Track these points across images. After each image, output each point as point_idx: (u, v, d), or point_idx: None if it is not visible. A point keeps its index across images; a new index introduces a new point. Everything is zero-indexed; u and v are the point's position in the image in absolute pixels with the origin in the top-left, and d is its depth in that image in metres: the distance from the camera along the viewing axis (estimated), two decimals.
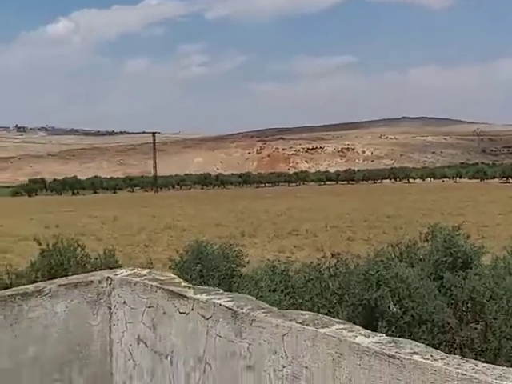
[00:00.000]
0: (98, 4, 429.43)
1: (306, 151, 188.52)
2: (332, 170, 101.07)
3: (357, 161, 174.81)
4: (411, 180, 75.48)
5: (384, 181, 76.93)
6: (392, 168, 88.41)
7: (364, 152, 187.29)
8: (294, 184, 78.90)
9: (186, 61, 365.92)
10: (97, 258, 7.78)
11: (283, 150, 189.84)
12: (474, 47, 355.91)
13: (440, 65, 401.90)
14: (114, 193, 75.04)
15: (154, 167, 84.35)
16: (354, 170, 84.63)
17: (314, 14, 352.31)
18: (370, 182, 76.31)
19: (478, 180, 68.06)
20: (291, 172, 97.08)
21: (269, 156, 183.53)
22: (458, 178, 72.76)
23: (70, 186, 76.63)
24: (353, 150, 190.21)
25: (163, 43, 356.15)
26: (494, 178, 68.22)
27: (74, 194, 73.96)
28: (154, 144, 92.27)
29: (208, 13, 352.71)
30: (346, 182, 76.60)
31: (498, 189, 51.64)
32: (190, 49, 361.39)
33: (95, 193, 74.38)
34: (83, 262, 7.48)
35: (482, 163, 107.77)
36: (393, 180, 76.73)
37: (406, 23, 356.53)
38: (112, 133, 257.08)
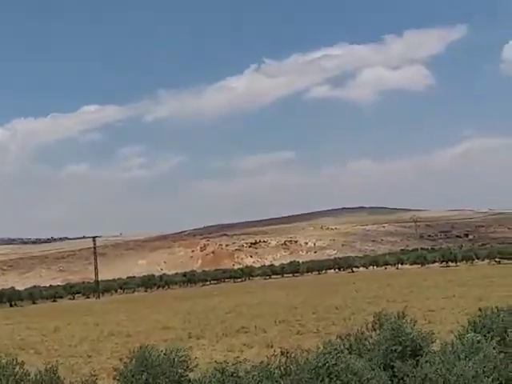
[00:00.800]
0: (35, 113, 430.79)
1: (250, 246, 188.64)
2: (277, 263, 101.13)
3: (300, 252, 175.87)
4: (355, 269, 76.21)
5: (328, 271, 77.44)
6: (335, 258, 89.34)
7: (307, 243, 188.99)
8: (239, 280, 78.37)
9: (125, 163, 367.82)
10: (37, 375, 7.35)
11: (227, 246, 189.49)
12: (408, 140, 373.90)
13: (376, 157, 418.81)
14: (54, 301, 72.41)
15: (96, 272, 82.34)
16: (298, 262, 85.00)
17: (252, 112, 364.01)
18: (314, 273, 76.66)
19: (419, 265, 69.40)
20: (236, 268, 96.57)
21: (213, 253, 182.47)
22: (399, 265, 73.98)
23: (8, 297, 73.62)
24: (296, 242, 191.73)
25: (102, 148, 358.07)
26: (434, 262, 69.80)
27: (11, 305, 70.96)
28: (95, 248, 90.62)
29: (147, 116, 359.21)
30: (291, 275, 76.62)
31: (439, 273, 52.70)
32: (130, 151, 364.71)
33: (34, 303, 71.62)
34: (22, 381, 7.04)
35: (422, 249, 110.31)
36: (337, 270, 77.32)
37: (340, 118, 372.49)
38: (51, 240, 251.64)
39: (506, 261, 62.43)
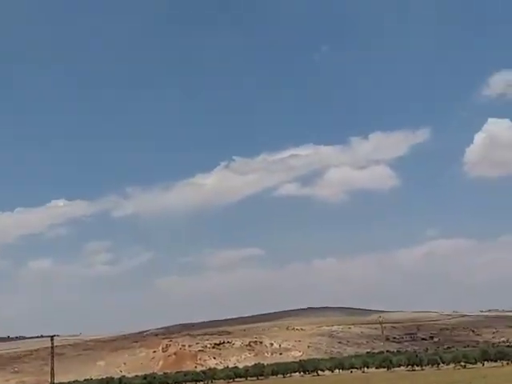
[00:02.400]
0: (1, 207, 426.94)
1: (214, 347, 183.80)
2: (241, 365, 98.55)
3: (266, 354, 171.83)
4: (320, 372, 74.71)
5: (293, 374, 75.68)
6: (301, 360, 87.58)
7: (272, 344, 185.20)
8: (201, 382, 75.94)
9: (91, 259, 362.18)
10: None
11: (190, 346, 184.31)
12: (374, 240, 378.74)
13: (341, 256, 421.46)
14: None
15: (52, 374, 78.94)
16: (262, 365, 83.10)
17: (221, 208, 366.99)
18: (279, 376, 74.80)
19: (385, 369, 68.48)
20: (199, 370, 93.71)
21: (175, 354, 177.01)
22: (365, 368, 72.84)
23: None
24: (261, 343, 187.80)
25: (68, 243, 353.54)
26: (399, 366, 69.03)
27: None
28: (52, 348, 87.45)
29: (115, 211, 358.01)
30: (255, 378, 74.61)
31: (405, 377, 52.03)
32: (96, 247, 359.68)
33: None
34: None
35: (388, 351, 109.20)
36: (302, 373, 75.64)
37: (308, 216, 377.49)
38: (7, 339, 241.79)
39: (470, 365, 62.08)
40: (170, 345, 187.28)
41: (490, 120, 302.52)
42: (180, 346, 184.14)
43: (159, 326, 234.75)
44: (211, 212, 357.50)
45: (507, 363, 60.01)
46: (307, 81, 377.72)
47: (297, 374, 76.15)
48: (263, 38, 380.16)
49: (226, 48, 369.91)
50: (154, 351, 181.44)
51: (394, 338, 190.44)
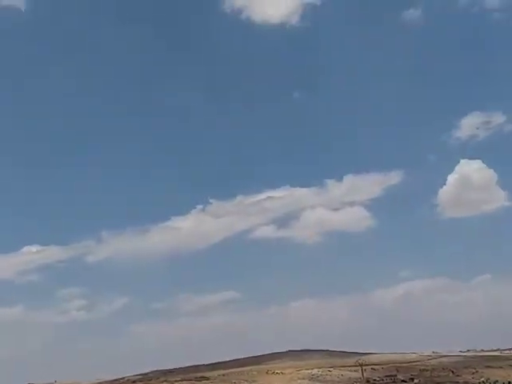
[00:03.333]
0: None
1: None
2: None
3: None
4: None
5: None
6: None
7: None
8: None
9: (64, 306, 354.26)
10: None
11: None
12: (349, 280, 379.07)
13: (318, 297, 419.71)
14: None
15: None
16: None
17: (197, 252, 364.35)
18: None
19: None
20: None
21: None
22: None
23: None
24: None
25: (40, 289, 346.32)
26: None
27: None
28: None
29: (89, 256, 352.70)
30: None
31: None
32: (69, 293, 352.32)
33: None
34: None
35: None
36: None
37: (284, 258, 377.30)
38: None
39: None
40: None
41: (462, 161, 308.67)
42: None
43: (136, 373, 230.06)
44: (187, 256, 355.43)
45: None
46: (283, 124, 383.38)
47: None
48: (238, 84, 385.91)
49: (189, 92, 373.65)
50: None
51: (375, 380, 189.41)
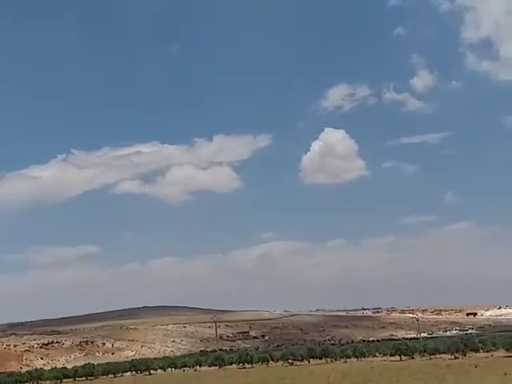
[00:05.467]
0: None
1: (41, 347, 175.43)
2: (70, 365, 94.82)
3: (97, 354, 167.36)
4: (153, 371, 74.02)
5: (125, 374, 74.19)
6: (133, 360, 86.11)
7: (104, 344, 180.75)
8: None
9: None
10: None
11: (15, 346, 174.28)
12: (212, 240, 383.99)
13: (177, 256, 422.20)
14: None
15: None
16: (93, 365, 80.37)
17: (56, 203, 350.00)
18: (110, 376, 72.91)
19: (218, 367, 69.50)
20: (24, 371, 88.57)
21: None
22: (198, 367, 73.38)
23: None
24: (92, 342, 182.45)
25: None
26: (231, 363, 70.40)
27: None
28: None
29: None
30: (84, 378, 72.04)
31: (236, 375, 53.19)
32: None
33: None
34: None
35: (221, 349, 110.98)
36: (134, 372, 74.41)
37: (147, 215, 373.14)
38: None
39: (297, 362, 64.95)
40: None
41: (327, 130, 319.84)
42: (4, 346, 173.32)
43: None
44: (45, 207, 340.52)
45: (331, 360, 63.65)
46: (155, 79, 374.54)
47: (128, 373, 74.75)
48: (112, 34, 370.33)
49: (69, 38, 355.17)
50: None
51: (228, 336, 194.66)
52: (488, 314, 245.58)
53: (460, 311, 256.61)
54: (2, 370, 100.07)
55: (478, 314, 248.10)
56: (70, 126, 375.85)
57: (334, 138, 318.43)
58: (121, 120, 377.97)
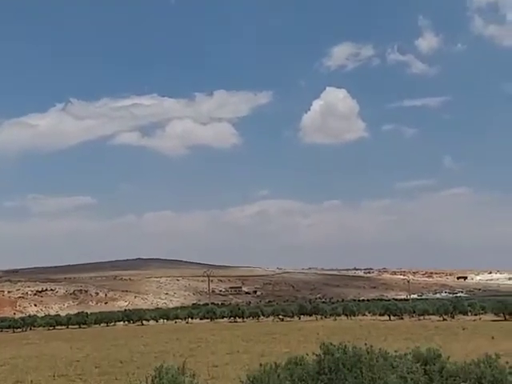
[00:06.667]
0: None
1: (35, 294, 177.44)
2: (63, 313, 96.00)
3: (90, 303, 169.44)
4: (145, 322, 75.02)
5: (117, 323, 75.18)
6: (126, 310, 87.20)
7: (98, 294, 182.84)
8: (19, 330, 72.76)
9: None
10: None
11: (9, 292, 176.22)
12: (209, 195, 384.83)
13: (174, 210, 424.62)
14: None
15: None
16: (86, 313, 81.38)
17: (54, 152, 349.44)
18: (103, 325, 73.89)
19: (209, 320, 70.48)
20: (17, 317, 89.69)
21: None
22: (190, 319, 74.37)
23: None
24: (86, 291, 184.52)
25: None
26: (223, 317, 71.36)
27: None
28: None
29: None
30: (77, 326, 73.04)
31: (227, 328, 53.91)
32: None
33: None
34: None
35: (213, 303, 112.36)
36: (126, 322, 75.42)
37: (145, 168, 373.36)
38: None
39: (288, 318, 65.87)
40: None
41: (328, 89, 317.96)
42: None
43: None
44: (42, 156, 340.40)
45: (321, 318, 64.55)
46: (155, 31, 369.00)
47: (121, 323, 75.77)
48: None
49: None
50: None
51: (220, 290, 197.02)
52: (478, 278, 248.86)
53: (451, 275, 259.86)
54: None
55: (469, 277, 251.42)
56: (70, 75, 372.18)
57: (336, 97, 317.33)
58: (120, 71, 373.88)
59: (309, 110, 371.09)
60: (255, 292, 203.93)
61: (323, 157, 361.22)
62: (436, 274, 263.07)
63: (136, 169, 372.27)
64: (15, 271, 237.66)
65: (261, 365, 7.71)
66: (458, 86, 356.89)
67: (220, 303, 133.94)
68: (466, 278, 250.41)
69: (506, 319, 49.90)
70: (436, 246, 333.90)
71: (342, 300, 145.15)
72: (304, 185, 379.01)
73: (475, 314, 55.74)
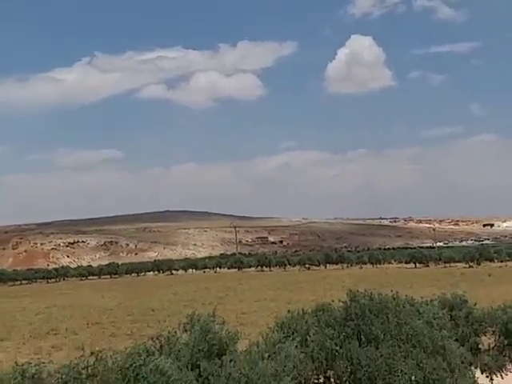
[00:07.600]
0: None
1: (67, 246, 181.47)
2: (95, 264, 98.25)
3: (121, 254, 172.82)
4: (174, 272, 76.53)
5: (148, 273, 76.84)
6: (155, 260, 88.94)
7: (128, 245, 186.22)
8: (53, 280, 74.86)
9: None
10: None
11: (42, 244, 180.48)
12: (234, 147, 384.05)
13: (201, 162, 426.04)
14: None
15: None
16: (117, 264, 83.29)
17: (81, 106, 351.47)
18: (133, 275, 75.66)
19: (237, 269, 71.65)
20: (50, 268, 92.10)
21: (26, 251, 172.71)
22: (218, 269, 75.68)
23: None
24: (116, 243, 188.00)
25: None
26: (250, 267, 72.51)
27: None
28: None
29: None
30: (108, 276, 74.87)
31: (254, 277, 54.79)
32: None
33: None
34: None
35: (240, 253, 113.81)
36: (156, 272, 77.06)
37: (171, 121, 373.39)
38: None
39: (314, 267, 66.66)
40: (20, 242, 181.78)
41: (353, 37, 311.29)
42: (32, 244, 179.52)
43: (10, 224, 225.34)
44: (69, 109, 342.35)
45: (347, 266, 65.13)
46: None
47: (151, 273, 77.40)
48: None
49: None
50: (4, 248, 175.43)
51: (247, 241, 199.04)
52: (505, 225, 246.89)
53: (477, 222, 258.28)
54: (30, 267, 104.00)
55: (495, 225, 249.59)
56: (94, 30, 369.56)
57: (361, 45, 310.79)
58: (144, 24, 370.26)
59: (334, 59, 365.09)
60: (281, 242, 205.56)
61: (348, 106, 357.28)
62: (462, 221, 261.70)
63: (162, 122, 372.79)
64: (47, 224, 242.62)
65: (288, 311, 7.89)
66: (486, 32, 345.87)
67: (247, 253, 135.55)
68: (492, 225, 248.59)
69: None
70: (462, 193, 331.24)
71: (368, 249, 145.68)
72: (329, 135, 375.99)
73: (501, 261, 55.74)
